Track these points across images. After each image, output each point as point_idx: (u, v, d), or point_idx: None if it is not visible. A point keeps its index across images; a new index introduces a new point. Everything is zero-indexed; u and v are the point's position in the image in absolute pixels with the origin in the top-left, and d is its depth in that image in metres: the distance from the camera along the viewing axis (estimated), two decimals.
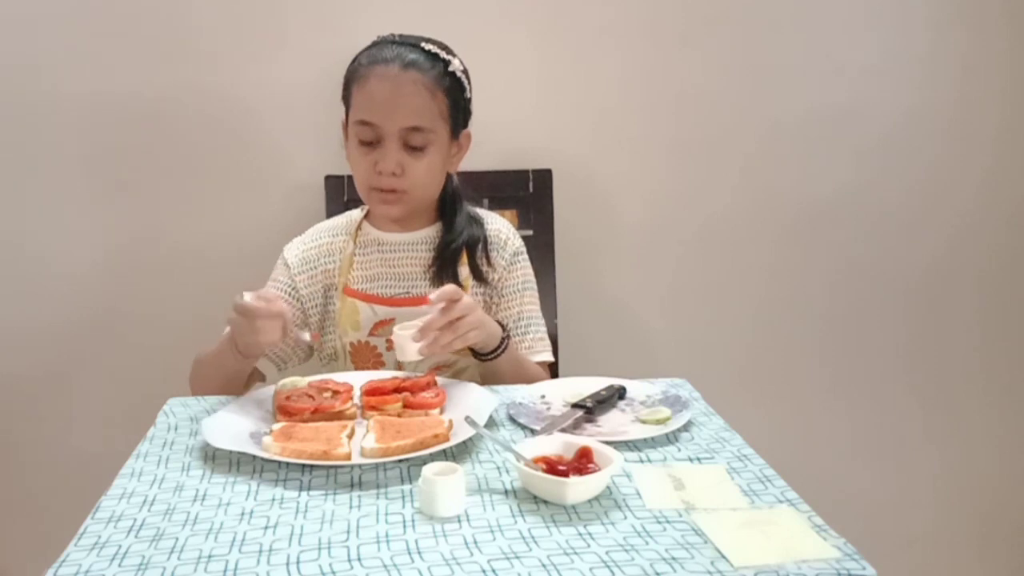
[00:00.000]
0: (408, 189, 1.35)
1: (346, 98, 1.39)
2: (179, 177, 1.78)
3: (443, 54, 1.36)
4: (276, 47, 1.74)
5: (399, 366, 1.38)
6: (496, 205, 1.71)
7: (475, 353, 1.34)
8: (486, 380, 1.37)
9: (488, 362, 1.33)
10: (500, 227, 1.48)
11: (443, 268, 1.41)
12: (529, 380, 1.32)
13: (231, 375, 1.30)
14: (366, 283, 1.43)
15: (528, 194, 1.75)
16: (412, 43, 1.35)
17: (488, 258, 1.44)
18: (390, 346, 1.39)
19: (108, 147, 1.75)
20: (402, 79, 1.31)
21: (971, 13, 1.84)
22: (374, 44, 1.37)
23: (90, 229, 1.78)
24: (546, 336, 1.48)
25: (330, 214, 1.69)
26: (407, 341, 1.18)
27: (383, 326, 1.39)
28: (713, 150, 1.86)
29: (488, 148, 1.71)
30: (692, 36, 1.81)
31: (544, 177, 1.76)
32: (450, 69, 1.35)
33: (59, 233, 1.78)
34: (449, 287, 1.20)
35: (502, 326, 1.33)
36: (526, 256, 1.49)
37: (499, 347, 1.32)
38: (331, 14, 1.73)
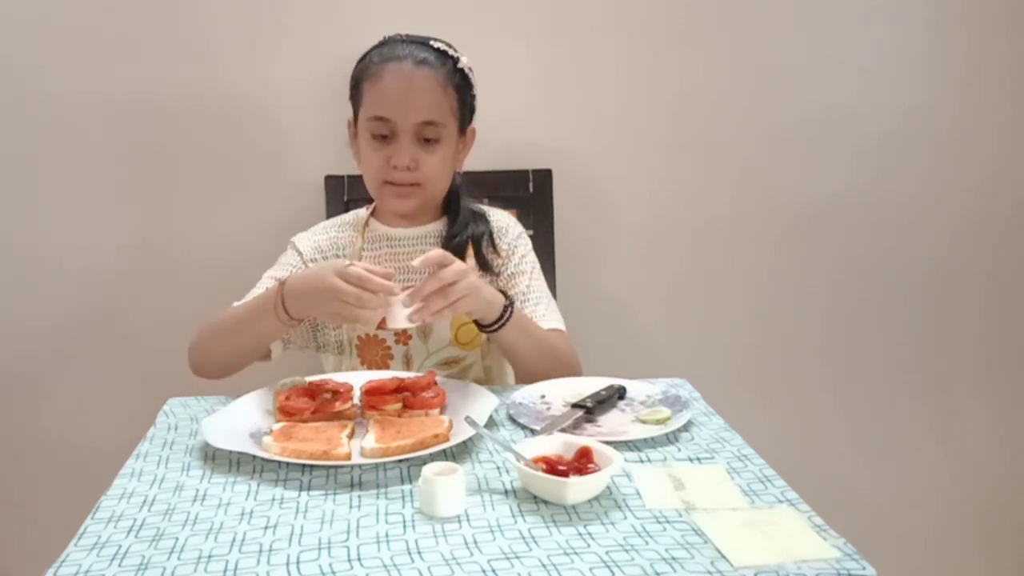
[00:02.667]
0: (423, 182, 1.38)
1: (355, 97, 1.40)
2: (179, 177, 1.78)
3: (451, 51, 1.39)
4: (277, 48, 1.74)
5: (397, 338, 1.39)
6: (496, 205, 1.70)
7: (480, 326, 1.29)
8: (507, 358, 1.39)
9: (495, 334, 1.29)
10: (501, 218, 1.51)
11: None
12: (548, 349, 1.32)
13: (258, 341, 1.28)
14: None
15: (528, 194, 1.75)
16: (421, 41, 1.38)
17: (494, 246, 1.46)
18: (399, 339, 1.40)
19: (108, 147, 1.75)
20: (416, 75, 1.34)
21: (972, 13, 1.84)
22: (383, 43, 1.39)
23: (90, 228, 1.78)
24: (555, 310, 1.46)
25: (330, 214, 1.69)
26: (396, 306, 1.13)
27: None
28: (713, 150, 1.86)
29: (488, 148, 1.70)
30: (692, 36, 1.81)
31: (544, 177, 1.76)
32: (459, 66, 1.39)
33: (60, 231, 1.78)
34: (436, 252, 1.16)
35: (506, 296, 1.29)
36: (527, 240, 1.51)
37: (502, 316, 1.26)
38: (332, 15, 1.73)
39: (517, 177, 1.76)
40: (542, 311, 1.43)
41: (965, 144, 1.89)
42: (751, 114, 1.85)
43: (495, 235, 1.47)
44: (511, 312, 1.27)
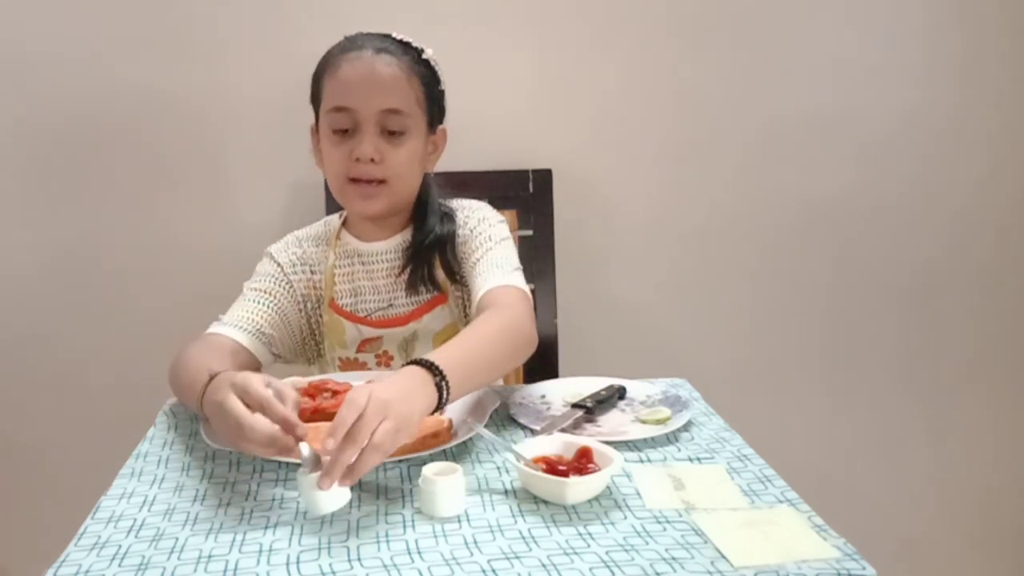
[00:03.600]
0: (389, 178, 1.28)
1: (315, 95, 1.33)
2: (179, 177, 1.78)
3: (414, 43, 1.32)
4: (276, 46, 1.74)
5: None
6: (496, 205, 1.69)
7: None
8: None
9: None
10: (468, 212, 1.39)
11: (416, 271, 1.34)
12: (500, 360, 1.11)
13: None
14: (349, 298, 1.37)
15: (528, 194, 1.75)
16: (382, 35, 1.32)
17: (455, 253, 1.36)
18: (380, 361, 1.37)
19: (107, 145, 1.75)
20: (377, 62, 1.27)
21: (969, 14, 1.84)
22: (347, 37, 1.33)
23: (91, 228, 1.78)
24: (510, 272, 1.28)
25: (330, 214, 1.69)
26: (312, 490, 0.84)
27: (370, 343, 1.36)
28: (713, 150, 1.86)
29: (488, 148, 1.71)
30: (691, 36, 1.81)
31: (544, 177, 1.76)
32: (423, 57, 1.32)
33: (62, 228, 1.78)
34: (334, 422, 0.86)
35: (433, 369, 0.98)
36: (491, 221, 1.37)
37: (442, 396, 0.98)
38: (332, 14, 1.73)
39: (517, 177, 1.76)
40: (492, 275, 1.26)
41: (962, 144, 1.89)
42: (750, 114, 1.85)
43: (458, 237, 1.36)
44: (447, 393, 0.98)
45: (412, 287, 1.35)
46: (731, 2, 1.80)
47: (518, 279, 1.28)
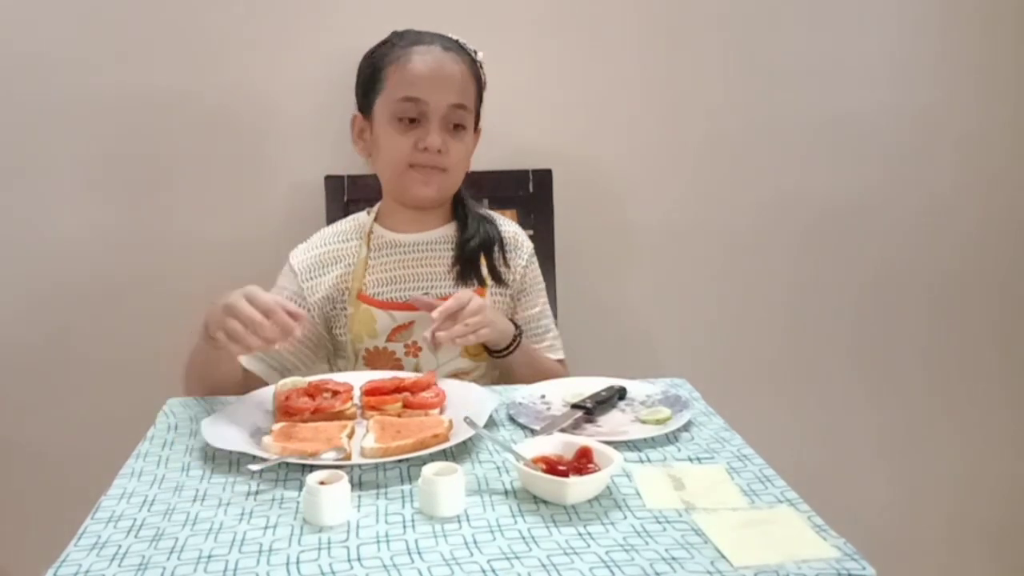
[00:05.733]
0: (449, 168, 1.37)
1: (373, 84, 1.38)
2: (178, 176, 1.78)
3: (469, 46, 1.41)
4: (277, 48, 1.74)
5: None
6: (496, 205, 1.71)
7: (489, 351, 1.37)
8: (504, 380, 1.39)
9: (502, 359, 1.37)
10: (514, 229, 1.51)
11: (466, 267, 1.42)
12: (547, 376, 1.33)
13: (225, 374, 1.26)
14: (381, 287, 1.40)
15: (528, 194, 1.75)
16: (441, 34, 1.40)
17: (505, 259, 1.46)
18: (408, 351, 1.38)
19: (108, 145, 1.75)
20: (446, 59, 1.36)
21: (987, 15, 1.83)
22: (401, 34, 1.40)
23: (88, 228, 1.78)
24: (559, 335, 1.54)
25: (330, 214, 1.69)
26: (317, 500, 0.88)
27: (402, 331, 1.38)
28: (713, 150, 1.86)
29: (488, 148, 1.70)
30: (693, 36, 1.81)
31: (544, 177, 1.76)
32: (478, 60, 1.41)
33: (57, 231, 1.77)
34: (452, 301, 1.23)
35: (516, 325, 1.36)
36: (535, 257, 1.53)
37: (512, 344, 1.34)
38: (333, 15, 1.73)
39: (517, 177, 1.76)
40: (551, 339, 1.50)
41: (986, 145, 1.89)
42: (751, 115, 1.85)
43: (505, 246, 1.47)
44: (519, 341, 1.35)
45: (462, 281, 1.42)
46: (731, 3, 1.80)
47: (562, 349, 1.53)
